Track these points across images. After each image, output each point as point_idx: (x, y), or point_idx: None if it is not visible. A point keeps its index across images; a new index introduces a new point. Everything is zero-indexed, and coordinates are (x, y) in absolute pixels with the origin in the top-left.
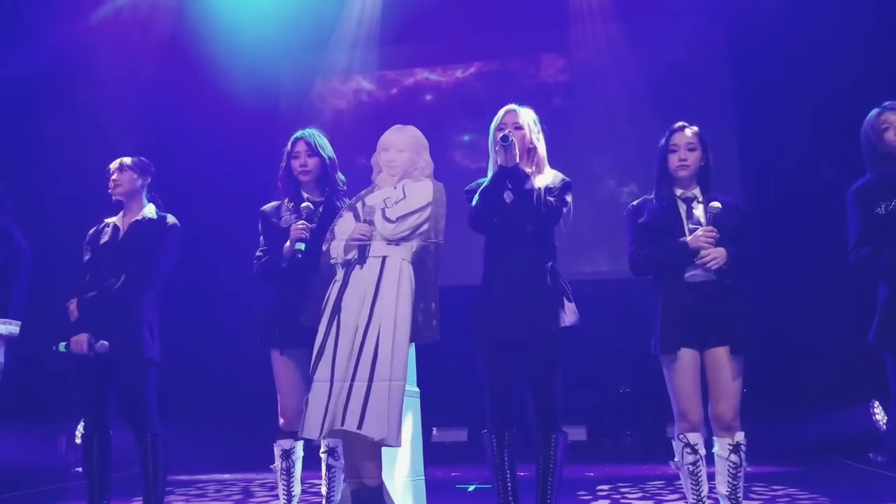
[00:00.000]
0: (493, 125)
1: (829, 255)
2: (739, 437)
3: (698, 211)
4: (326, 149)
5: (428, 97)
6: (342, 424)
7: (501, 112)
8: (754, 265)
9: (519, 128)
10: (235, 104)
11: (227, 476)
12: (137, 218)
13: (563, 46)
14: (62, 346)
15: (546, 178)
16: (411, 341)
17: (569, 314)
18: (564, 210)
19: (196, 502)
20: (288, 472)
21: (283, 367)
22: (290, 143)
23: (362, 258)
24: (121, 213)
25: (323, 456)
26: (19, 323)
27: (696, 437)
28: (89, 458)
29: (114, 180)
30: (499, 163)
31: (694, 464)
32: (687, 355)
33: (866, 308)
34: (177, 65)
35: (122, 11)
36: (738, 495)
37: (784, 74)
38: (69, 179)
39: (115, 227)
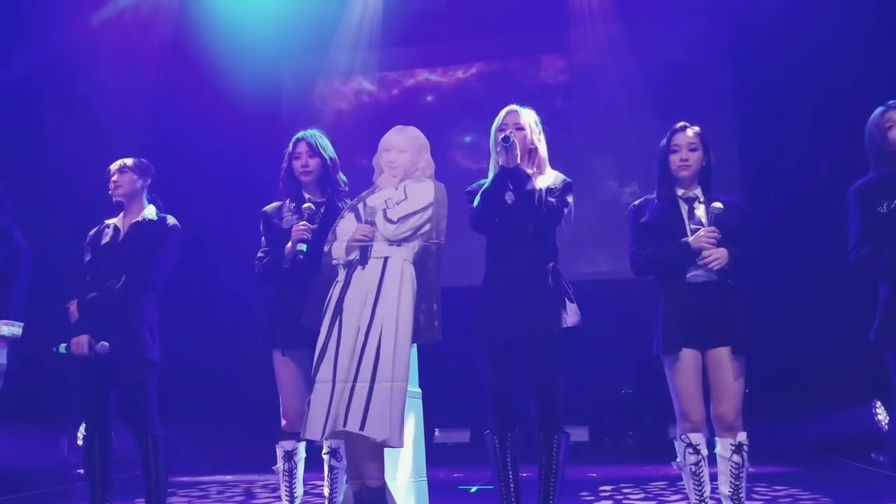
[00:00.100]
0: (494, 126)
1: (830, 254)
2: (741, 437)
3: (700, 211)
4: (328, 149)
5: (429, 98)
6: (344, 425)
7: (503, 112)
8: (755, 265)
9: (520, 128)
10: (237, 105)
11: (229, 477)
12: (138, 219)
13: (564, 47)
14: (62, 347)
15: (547, 178)
16: (413, 342)
17: (571, 315)
18: (565, 211)
19: (198, 503)
20: (290, 474)
21: (285, 368)
22: (291, 144)
23: (364, 259)
24: (121, 215)
25: (325, 457)
26: (22, 324)
27: (698, 438)
28: (90, 460)
29: (114, 182)
30: (500, 163)
31: (696, 464)
32: (688, 356)
33: (868, 308)
34: (178, 66)
35: (124, 13)
36: (741, 496)
37: (784, 74)
38: (70, 180)
39: (116, 229)
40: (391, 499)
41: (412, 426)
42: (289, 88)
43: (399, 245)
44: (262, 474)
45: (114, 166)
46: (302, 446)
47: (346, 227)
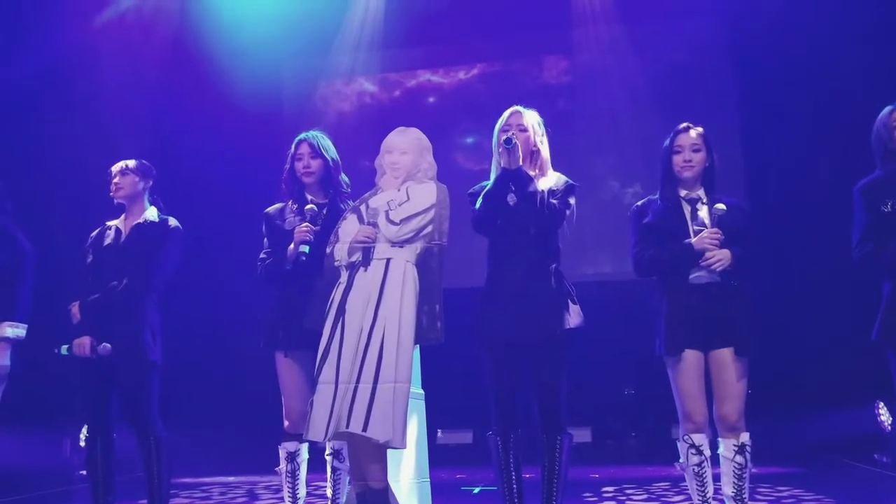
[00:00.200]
0: (497, 126)
1: (832, 254)
2: (744, 438)
3: (703, 212)
4: (330, 150)
5: (431, 99)
6: (347, 426)
7: (507, 113)
8: (757, 266)
9: (524, 130)
10: (238, 106)
11: (231, 478)
12: (139, 221)
13: (566, 48)
14: (64, 349)
15: (549, 180)
16: (416, 343)
17: (573, 316)
18: (567, 212)
19: None
20: (293, 475)
21: (288, 369)
22: (293, 145)
23: (366, 260)
24: (122, 216)
25: (328, 458)
26: (26, 326)
27: (700, 439)
28: (93, 461)
29: (115, 183)
30: (502, 165)
31: (699, 465)
32: (691, 357)
33: (871, 308)
34: (180, 67)
35: (126, 14)
36: (744, 497)
37: (787, 75)
38: (71, 181)
39: (118, 230)
40: (394, 500)
41: (415, 427)
42: (290, 90)
43: (401, 246)
44: (264, 475)
45: (115, 168)
46: (305, 447)
47: (349, 228)
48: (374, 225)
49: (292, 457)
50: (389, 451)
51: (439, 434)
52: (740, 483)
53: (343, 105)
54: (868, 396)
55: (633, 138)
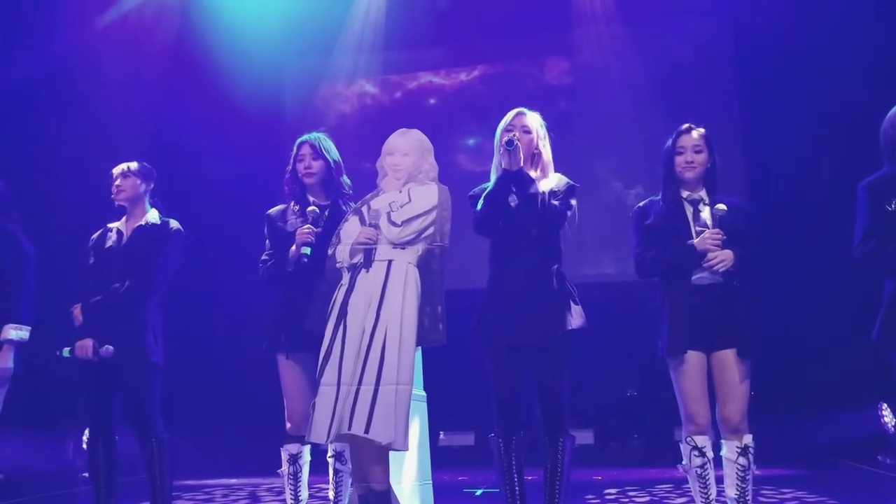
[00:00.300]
0: (500, 127)
1: (834, 255)
2: (747, 439)
3: (705, 213)
4: (332, 152)
5: (432, 101)
6: (349, 428)
7: (510, 114)
8: (760, 266)
9: (527, 132)
10: (240, 108)
11: (234, 481)
12: (141, 223)
13: (567, 49)
14: (66, 351)
15: (551, 181)
16: (418, 345)
17: (575, 317)
18: (569, 213)
19: None
20: (295, 477)
21: (290, 371)
22: (295, 147)
23: (368, 262)
24: (124, 218)
25: (330, 460)
26: (29, 328)
27: (703, 440)
28: (95, 464)
29: (117, 186)
30: (503, 166)
31: (702, 467)
32: (694, 358)
33: (873, 309)
34: (181, 69)
35: (128, 16)
36: (747, 498)
37: (788, 75)
38: (72, 183)
39: (119, 232)
40: (396, 502)
41: (417, 429)
42: (292, 91)
43: (403, 248)
44: (266, 477)
45: (117, 170)
46: (307, 449)
47: (350, 230)
48: (376, 226)
49: (294, 459)
50: (391, 453)
51: (441, 436)
52: (743, 485)
53: (344, 107)
54: (871, 398)
55: (634, 139)
